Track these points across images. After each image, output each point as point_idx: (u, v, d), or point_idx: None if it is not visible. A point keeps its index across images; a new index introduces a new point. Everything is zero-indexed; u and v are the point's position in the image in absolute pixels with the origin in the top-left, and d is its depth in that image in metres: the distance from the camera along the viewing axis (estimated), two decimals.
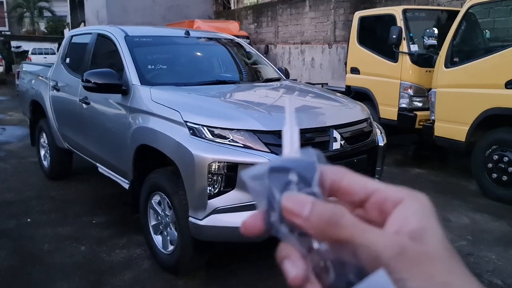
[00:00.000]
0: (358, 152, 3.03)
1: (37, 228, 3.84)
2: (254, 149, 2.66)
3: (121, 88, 3.40)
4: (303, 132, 2.84)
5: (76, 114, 4.23)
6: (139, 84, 3.37)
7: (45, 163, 5.29)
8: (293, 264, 0.31)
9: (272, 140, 2.69)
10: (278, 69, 4.46)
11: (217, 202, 2.64)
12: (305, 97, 3.58)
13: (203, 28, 11.57)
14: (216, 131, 2.72)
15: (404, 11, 6.00)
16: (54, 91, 4.72)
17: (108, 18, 15.60)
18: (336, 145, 2.88)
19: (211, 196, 2.65)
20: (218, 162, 2.61)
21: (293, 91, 3.78)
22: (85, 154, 4.31)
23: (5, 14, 35.65)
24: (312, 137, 2.85)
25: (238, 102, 3.13)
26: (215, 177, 2.64)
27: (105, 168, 3.93)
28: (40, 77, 5.20)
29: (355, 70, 6.90)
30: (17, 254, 3.38)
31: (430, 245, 0.30)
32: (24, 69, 6.03)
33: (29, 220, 4.03)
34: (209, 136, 2.71)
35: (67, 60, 4.73)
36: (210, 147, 2.67)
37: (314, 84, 8.42)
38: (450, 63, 4.96)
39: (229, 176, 2.64)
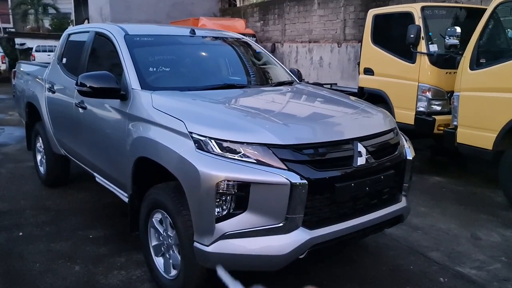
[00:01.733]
0: (385, 168, 2.69)
1: (29, 244, 3.52)
2: (269, 166, 2.32)
3: (120, 93, 3.07)
4: (322, 146, 2.50)
5: (72, 119, 3.91)
6: (140, 89, 3.04)
7: (41, 169, 4.99)
8: None
9: (289, 155, 2.35)
10: (290, 71, 4.11)
11: (226, 226, 2.31)
12: (323, 104, 3.23)
13: (208, 26, 11.23)
14: (226, 145, 2.38)
15: (423, 9, 5.64)
16: (50, 93, 4.40)
17: (111, 15, 15.32)
18: (361, 161, 2.54)
19: (219, 219, 2.32)
20: (228, 181, 2.28)
21: (308, 97, 3.44)
22: (82, 162, 3.99)
23: (9, 11, 35.47)
24: (333, 152, 2.51)
25: (249, 110, 2.79)
26: (224, 198, 2.31)
27: (103, 179, 3.61)
28: (36, 78, 4.89)
29: (368, 71, 6.55)
30: (5, 276, 3.07)
31: None
32: (21, 69, 5.72)
33: (21, 233, 3.72)
34: (217, 150, 2.38)
35: (64, 60, 4.41)
36: (218, 163, 2.33)
37: (322, 84, 8.07)
38: (475, 64, 4.60)
39: (240, 196, 2.30)
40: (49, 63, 5.06)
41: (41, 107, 4.58)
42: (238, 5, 16.17)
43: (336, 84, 9.21)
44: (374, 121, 2.91)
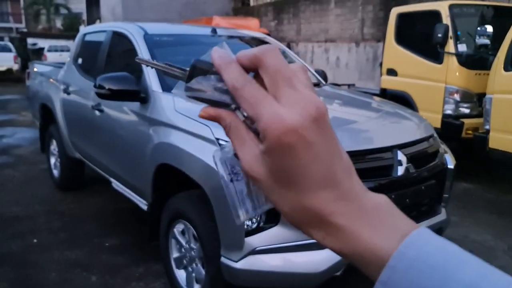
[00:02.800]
0: (426, 178, 2.49)
1: (44, 252, 3.38)
2: None
3: (140, 95, 2.91)
4: (360, 154, 2.30)
5: (88, 121, 3.76)
6: (161, 91, 2.87)
7: (55, 172, 4.85)
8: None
9: None
10: (315, 71, 3.91)
11: (256, 241, 2.14)
12: (358, 108, 3.03)
13: (221, 26, 11.07)
14: None
15: (451, 7, 5.40)
16: (65, 95, 4.26)
17: (123, 14, 15.25)
18: (401, 170, 2.34)
19: (249, 233, 2.14)
20: None
21: (340, 100, 3.24)
22: (98, 167, 3.84)
23: (22, 11, 35.72)
24: (373, 161, 2.31)
25: None
26: None
27: (120, 185, 3.46)
28: (50, 79, 4.76)
29: (391, 72, 6.31)
30: (21, 286, 2.92)
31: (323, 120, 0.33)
32: (35, 69, 5.60)
33: (35, 240, 3.58)
34: None
35: (79, 60, 4.27)
36: None
37: (340, 85, 7.85)
38: (510, 65, 4.36)
39: (271, 208, 2.11)
40: (62, 63, 4.93)
41: (56, 109, 4.44)
42: (251, 4, 15.99)
43: (353, 85, 8.97)
44: (413, 127, 2.71)
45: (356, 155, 2.28)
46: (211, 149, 2.29)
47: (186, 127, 2.52)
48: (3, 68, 18.90)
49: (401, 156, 2.35)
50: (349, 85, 8.61)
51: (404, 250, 0.31)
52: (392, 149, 2.36)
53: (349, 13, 10.53)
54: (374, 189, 2.16)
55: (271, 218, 2.13)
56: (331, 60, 11.14)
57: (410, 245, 0.31)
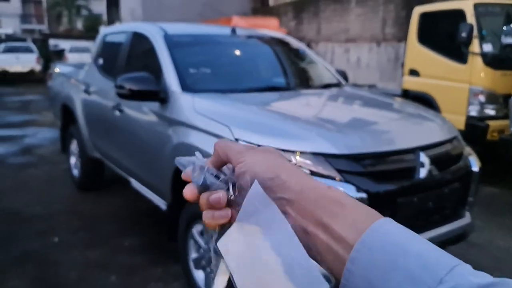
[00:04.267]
0: (450, 180, 2.41)
1: (64, 251, 3.41)
2: (324, 177, 2.09)
3: (159, 96, 2.91)
4: (382, 156, 2.24)
5: (108, 122, 3.79)
6: (180, 91, 2.87)
7: (75, 172, 4.91)
8: (212, 194, 0.46)
9: (346, 166, 2.11)
10: (336, 71, 3.85)
11: None
12: (379, 109, 2.96)
13: (240, 26, 11.07)
14: None
15: (476, 6, 5.26)
16: (86, 95, 4.30)
17: (143, 15, 15.41)
18: (424, 172, 2.27)
19: None
20: None
21: (361, 101, 3.17)
22: (117, 167, 3.86)
23: (44, 13, 36.50)
24: (395, 163, 2.25)
25: (299, 115, 2.56)
26: None
27: (139, 184, 3.46)
28: (71, 80, 4.82)
29: (414, 72, 6.19)
30: (41, 285, 2.95)
31: (268, 149, 0.48)
32: (56, 70, 5.69)
33: (56, 239, 3.62)
34: None
35: (100, 61, 4.30)
36: None
37: (360, 85, 7.75)
38: None
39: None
40: (83, 64, 4.99)
41: (77, 109, 4.49)
42: (270, 4, 15.95)
43: (374, 85, 8.87)
44: (436, 129, 2.63)
45: (377, 157, 2.23)
46: None
47: (205, 127, 2.51)
48: (25, 69, 19.29)
49: (423, 158, 2.28)
50: (369, 86, 8.52)
51: (382, 221, 0.38)
52: (414, 151, 2.29)
53: (370, 12, 10.39)
54: (396, 192, 2.11)
55: None
56: (352, 60, 11.02)
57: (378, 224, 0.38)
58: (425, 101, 5.84)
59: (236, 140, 2.26)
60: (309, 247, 0.40)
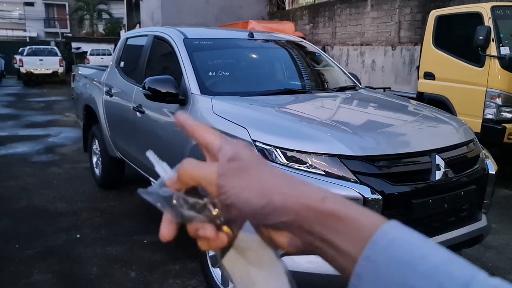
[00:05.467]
0: (465, 183, 2.44)
1: (86, 247, 3.54)
2: (339, 178, 2.15)
3: (178, 98, 3.01)
4: (397, 157, 2.29)
5: (129, 122, 3.91)
6: (199, 94, 2.97)
7: (97, 171, 5.06)
8: (203, 229, 0.42)
9: (361, 167, 2.17)
10: (350, 74, 3.91)
11: None
12: (394, 112, 3.01)
13: (257, 29, 11.16)
14: (292, 154, 2.24)
15: (493, 9, 5.24)
16: (108, 96, 4.44)
17: (162, 19, 15.64)
18: (439, 174, 2.31)
19: None
20: None
21: (376, 103, 3.22)
22: (138, 167, 3.98)
23: (67, 17, 37.33)
24: (410, 164, 2.30)
25: (315, 117, 2.63)
26: None
27: None
28: (94, 81, 4.98)
29: (429, 75, 6.18)
30: (64, 279, 3.08)
31: (242, 162, 0.41)
32: (79, 72, 5.87)
33: (78, 236, 3.76)
34: (283, 160, 2.24)
35: (121, 64, 4.44)
36: None
37: (375, 88, 7.75)
38: None
39: None
40: (106, 66, 5.15)
41: (99, 110, 4.64)
42: (287, 8, 16.02)
43: (389, 88, 8.83)
44: (452, 131, 2.66)
45: (392, 159, 2.28)
46: None
47: (224, 129, 2.59)
48: (49, 71, 19.80)
49: (439, 160, 2.32)
50: (384, 89, 8.49)
51: (387, 228, 0.35)
52: (430, 153, 2.34)
53: (385, 16, 10.37)
54: (411, 193, 2.15)
55: None
56: (367, 63, 11.00)
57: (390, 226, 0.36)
58: (440, 104, 5.83)
59: (254, 141, 2.33)
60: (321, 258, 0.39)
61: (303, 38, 11.56)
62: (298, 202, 0.39)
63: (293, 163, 2.23)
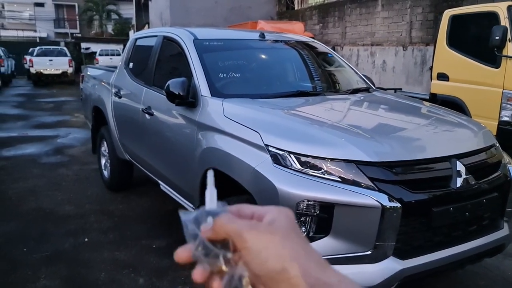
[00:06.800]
0: (487, 190, 2.34)
1: (94, 251, 3.48)
2: (356, 185, 2.06)
3: (188, 100, 2.93)
4: (417, 164, 2.20)
5: (138, 124, 3.85)
6: (210, 96, 2.89)
7: (105, 173, 5.02)
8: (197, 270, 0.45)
9: (380, 174, 2.08)
10: (363, 76, 3.81)
11: None
12: (411, 115, 2.91)
13: (266, 30, 11.08)
14: (306, 160, 2.16)
15: (510, 8, 5.11)
16: (116, 98, 4.39)
17: (171, 19, 15.63)
18: (460, 181, 2.21)
19: None
20: (309, 201, 2.05)
21: (393, 106, 3.12)
22: (147, 169, 3.92)
23: (77, 17, 37.58)
24: (430, 171, 2.20)
25: (330, 121, 2.54)
26: (303, 219, 2.09)
27: (168, 187, 3.51)
28: (102, 83, 4.93)
29: (442, 76, 6.06)
30: (72, 284, 3.03)
31: (275, 226, 0.43)
32: (88, 73, 5.83)
33: (86, 239, 3.70)
34: (297, 165, 2.16)
35: (130, 65, 4.39)
36: (298, 180, 2.11)
37: (386, 89, 7.62)
38: None
39: (323, 218, 2.07)
40: (114, 67, 5.10)
41: (107, 111, 4.59)
42: (296, 8, 15.92)
43: (400, 89, 8.70)
44: (473, 136, 2.56)
45: (411, 165, 2.19)
46: (260, 155, 2.27)
47: (235, 132, 2.52)
48: (59, 72, 19.90)
49: (460, 166, 2.23)
50: (395, 90, 8.36)
51: None
52: (450, 158, 2.24)
53: (396, 16, 10.23)
54: (431, 201, 2.06)
55: (321, 228, 2.07)
56: (377, 64, 10.87)
57: None
58: (454, 105, 5.70)
59: (266, 146, 2.25)
60: None
61: (313, 38, 11.47)
62: (314, 276, 0.39)
63: (308, 169, 2.15)
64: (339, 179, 2.09)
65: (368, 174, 2.07)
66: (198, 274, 0.45)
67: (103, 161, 5.10)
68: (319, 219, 2.07)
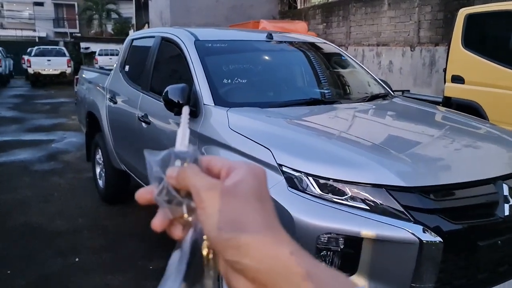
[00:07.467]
0: None
1: (85, 274, 3.16)
2: (388, 216, 1.74)
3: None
4: (457, 188, 1.88)
5: (134, 133, 3.53)
6: (213, 105, 2.57)
7: (100, 182, 4.69)
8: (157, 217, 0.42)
9: (416, 202, 1.75)
10: (381, 81, 3.49)
11: None
12: (443, 128, 2.58)
13: (269, 29, 10.76)
14: (327, 183, 1.83)
15: None
16: (111, 103, 4.06)
17: (171, 19, 15.31)
18: (508, 208, 1.88)
19: None
20: (332, 234, 1.73)
21: (418, 117, 2.78)
22: (143, 181, 3.60)
23: (76, 17, 37.26)
24: (474, 197, 1.87)
25: (352, 136, 2.21)
26: (326, 254, 1.76)
27: None
28: (97, 87, 4.60)
29: (457, 79, 5.72)
30: None
31: (238, 188, 0.39)
32: (83, 75, 5.50)
33: (77, 259, 3.38)
34: (317, 190, 1.83)
35: (126, 68, 4.06)
36: (319, 208, 1.79)
37: (393, 91, 7.31)
38: None
39: (348, 254, 1.75)
40: (110, 70, 4.77)
41: (102, 118, 4.26)
42: (298, 7, 15.58)
43: (408, 91, 8.38)
44: None
45: (451, 190, 1.86)
46: (272, 176, 1.94)
47: (242, 148, 2.19)
48: (57, 72, 19.59)
49: (507, 190, 1.90)
50: (403, 91, 8.05)
51: None
52: (495, 181, 1.91)
53: (404, 15, 9.90)
54: (477, 233, 1.73)
55: (346, 266, 1.75)
56: (383, 65, 10.53)
57: None
58: (471, 110, 5.37)
59: (280, 166, 1.93)
60: None
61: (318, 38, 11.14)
62: (266, 246, 0.36)
63: (329, 194, 1.82)
64: (367, 207, 1.77)
65: (402, 202, 1.75)
66: (157, 222, 0.42)
67: (98, 170, 4.78)
68: (344, 255, 1.75)
